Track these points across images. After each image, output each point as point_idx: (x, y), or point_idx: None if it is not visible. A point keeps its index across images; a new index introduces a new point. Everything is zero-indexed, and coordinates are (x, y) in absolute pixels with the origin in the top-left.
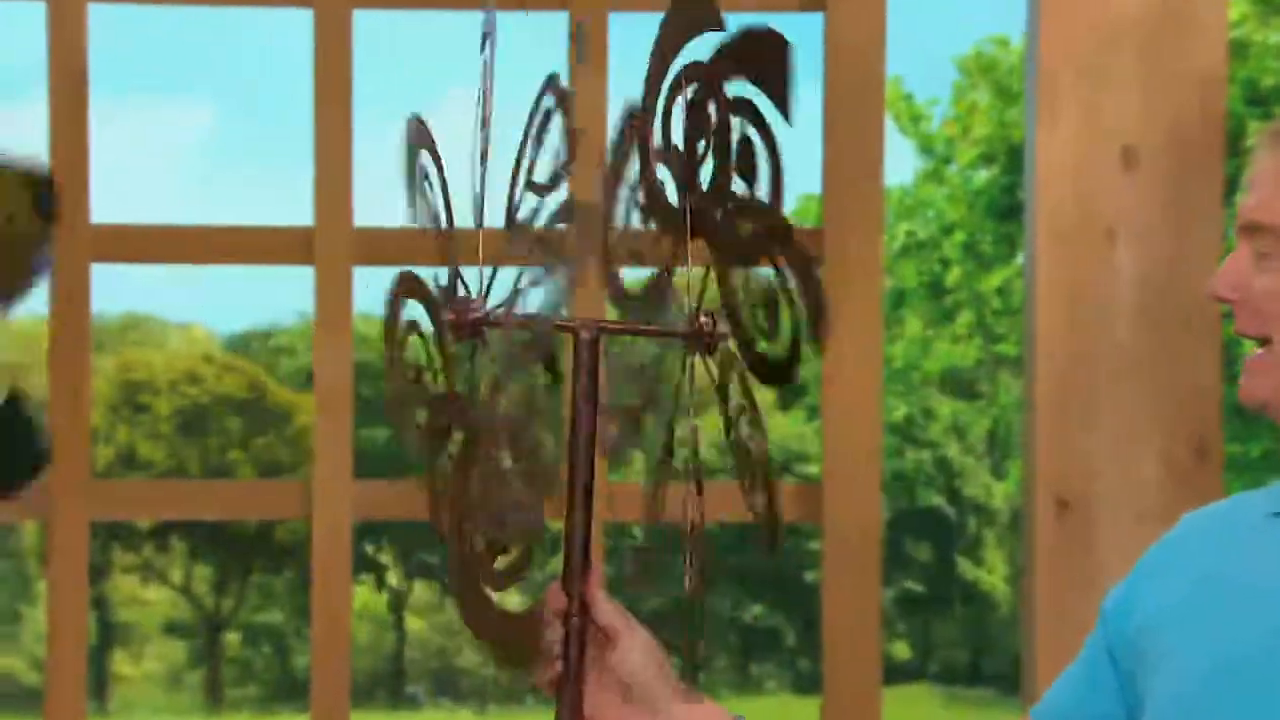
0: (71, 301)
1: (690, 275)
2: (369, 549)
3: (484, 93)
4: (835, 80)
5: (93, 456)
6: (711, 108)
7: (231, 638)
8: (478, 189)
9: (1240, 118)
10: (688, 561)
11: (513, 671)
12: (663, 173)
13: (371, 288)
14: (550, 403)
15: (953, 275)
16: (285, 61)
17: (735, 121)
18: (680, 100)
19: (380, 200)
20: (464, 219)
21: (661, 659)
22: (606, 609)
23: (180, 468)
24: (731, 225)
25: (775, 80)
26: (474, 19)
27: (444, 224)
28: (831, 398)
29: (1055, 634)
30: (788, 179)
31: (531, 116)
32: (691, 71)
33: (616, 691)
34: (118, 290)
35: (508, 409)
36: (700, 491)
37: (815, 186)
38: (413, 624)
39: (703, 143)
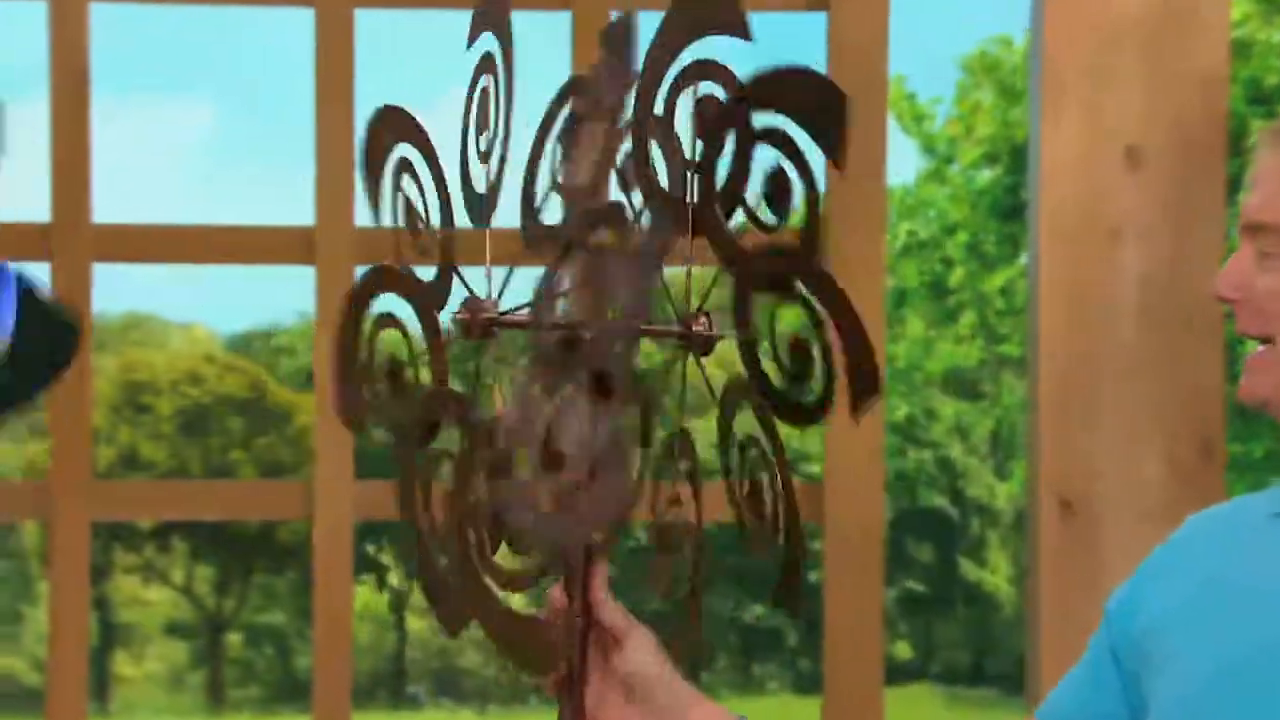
0: (73, 301)
1: (688, 275)
2: (370, 549)
3: (504, 92)
4: (838, 79)
5: (94, 457)
6: (730, 132)
7: (233, 638)
8: (486, 188)
9: (1243, 117)
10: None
11: (523, 671)
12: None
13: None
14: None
15: (955, 275)
16: (287, 61)
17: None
18: (684, 97)
19: None
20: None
21: (664, 659)
22: (610, 609)
23: (182, 468)
24: (762, 261)
25: (830, 129)
26: None
27: (427, 221)
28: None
29: (1059, 635)
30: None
31: (551, 117)
32: (697, 70)
33: (619, 692)
34: (119, 290)
35: (545, 420)
36: (698, 492)
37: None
38: (414, 624)
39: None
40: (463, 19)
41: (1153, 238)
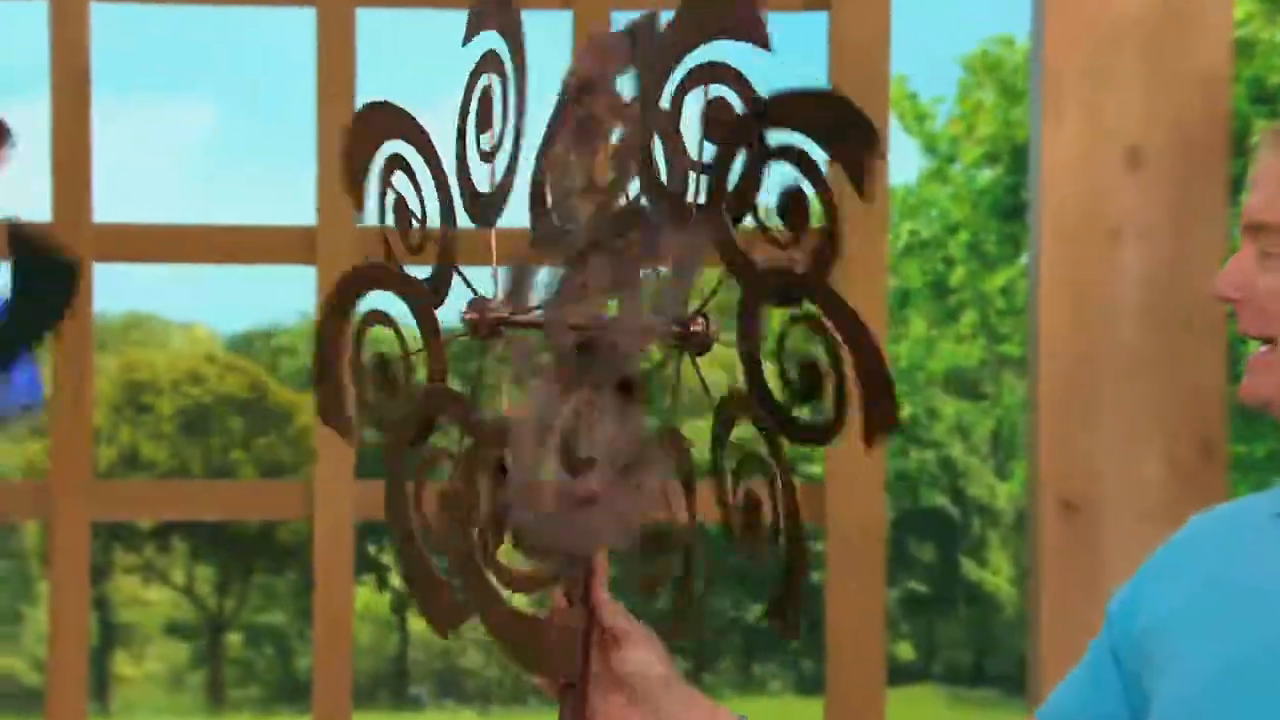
0: (74, 301)
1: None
2: (371, 549)
3: (515, 91)
4: (839, 79)
5: (94, 457)
6: (741, 146)
7: (233, 638)
8: (493, 188)
9: (1245, 117)
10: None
11: (531, 672)
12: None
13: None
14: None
15: (957, 275)
16: (288, 60)
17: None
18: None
19: None
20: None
21: (666, 660)
22: (611, 610)
23: (182, 468)
24: (774, 276)
25: (858, 160)
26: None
27: (423, 219)
28: None
29: (1060, 635)
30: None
31: (562, 116)
32: (707, 71)
33: (620, 693)
34: (120, 289)
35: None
36: (692, 491)
37: None
38: (416, 625)
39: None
40: (464, 19)
41: (1154, 238)
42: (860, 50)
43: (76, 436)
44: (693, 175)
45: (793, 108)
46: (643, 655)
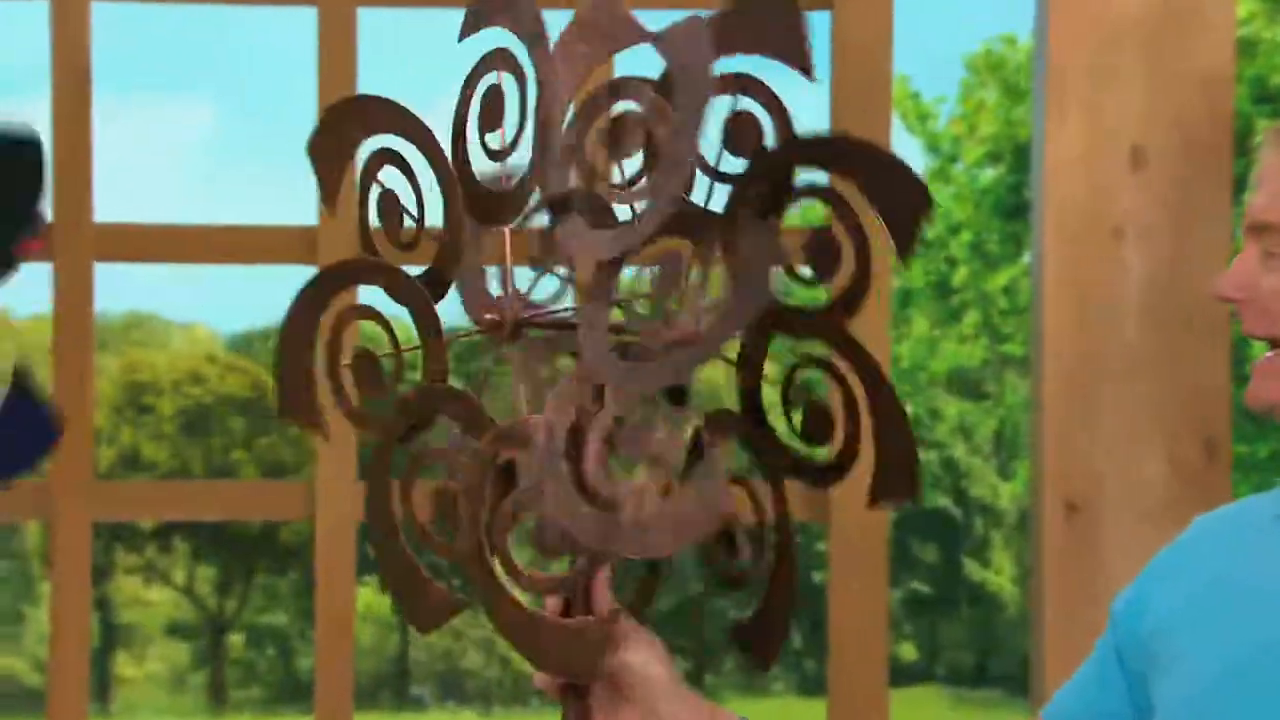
0: (74, 301)
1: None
2: (373, 550)
3: (541, 91)
4: (842, 79)
5: (95, 457)
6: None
7: (235, 639)
8: (509, 186)
9: (1248, 116)
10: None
11: (547, 671)
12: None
13: (374, 288)
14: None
15: (959, 275)
16: (288, 60)
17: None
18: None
19: None
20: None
21: (668, 663)
22: (604, 607)
23: (183, 468)
24: (792, 316)
25: (904, 221)
26: None
27: (421, 217)
28: None
29: (1063, 635)
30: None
31: (590, 113)
32: (735, 82)
33: (621, 694)
34: (120, 289)
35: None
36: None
37: None
38: None
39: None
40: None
41: (1157, 237)
42: (862, 49)
43: (77, 437)
44: (706, 182)
45: (837, 152)
46: (643, 657)
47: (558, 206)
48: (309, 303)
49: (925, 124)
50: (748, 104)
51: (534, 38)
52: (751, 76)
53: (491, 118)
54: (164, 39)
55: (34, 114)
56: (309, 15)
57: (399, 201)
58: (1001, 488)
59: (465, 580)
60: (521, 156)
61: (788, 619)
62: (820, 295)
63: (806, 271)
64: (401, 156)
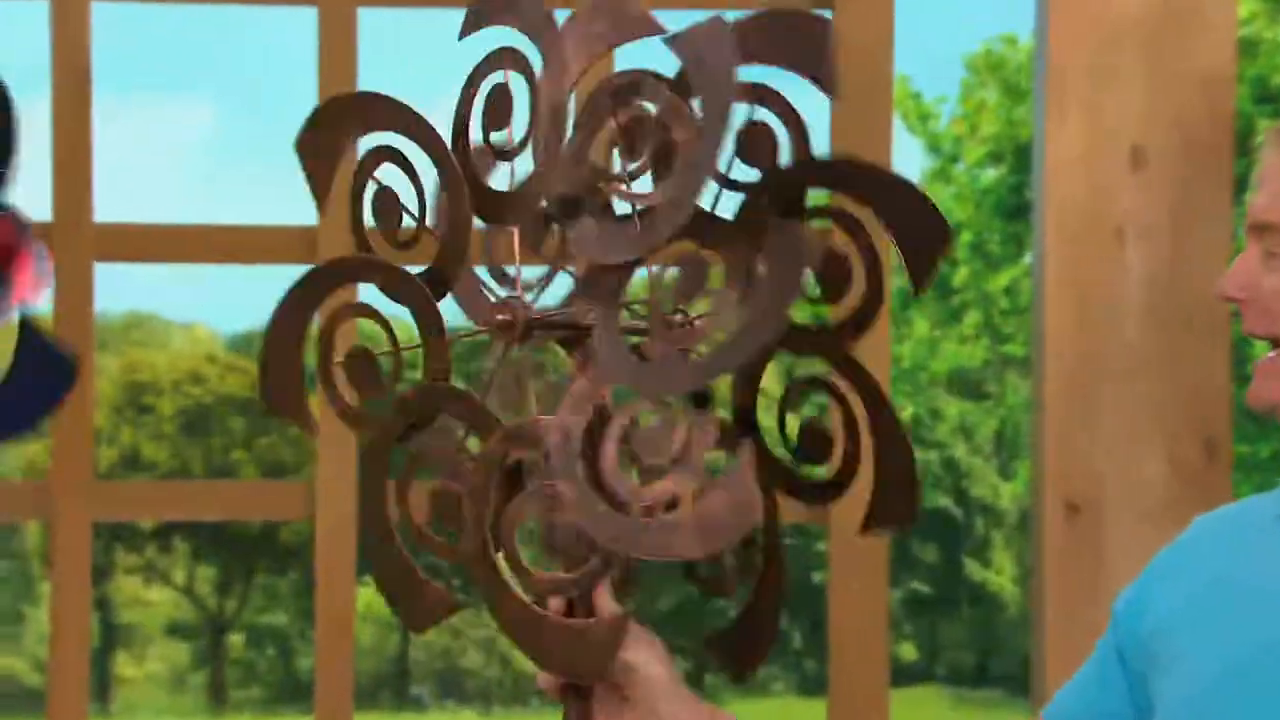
0: (74, 301)
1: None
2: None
3: (554, 90)
4: (843, 79)
5: (95, 457)
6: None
7: (235, 639)
8: (513, 185)
9: (1249, 116)
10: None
11: (553, 671)
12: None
13: (374, 288)
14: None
15: (960, 275)
16: (289, 59)
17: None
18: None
19: None
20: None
21: (667, 662)
22: (608, 609)
23: (183, 468)
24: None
25: (922, 253)
26: None
27: (422, 215)
28: None
29: (1064, 635)
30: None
31: (598, 116)
32: (753, 91)
33: (622, 695)
34: (120, 289)
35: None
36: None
37: None
38: None
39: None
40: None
41: (1158, 237)
42: (863, 50)
43: (77, 437)
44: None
45: (855, 177)
46: (644, 657)
47: (568, 208)
48: (298, 301)
49: (926, 124)
50: (762, 114)
51: (542, 25)
52: (769, 87)
53: (497, 117)
54: (164, 39)
55: (34, 114)
56: (309, 15)
57: (398, 199)
58: (1002, 488)
59: (464, 580)
60: (528, 156)
61: (774, 623)
62: (808, 311)
63: (814, 290)
64: (402, 154)
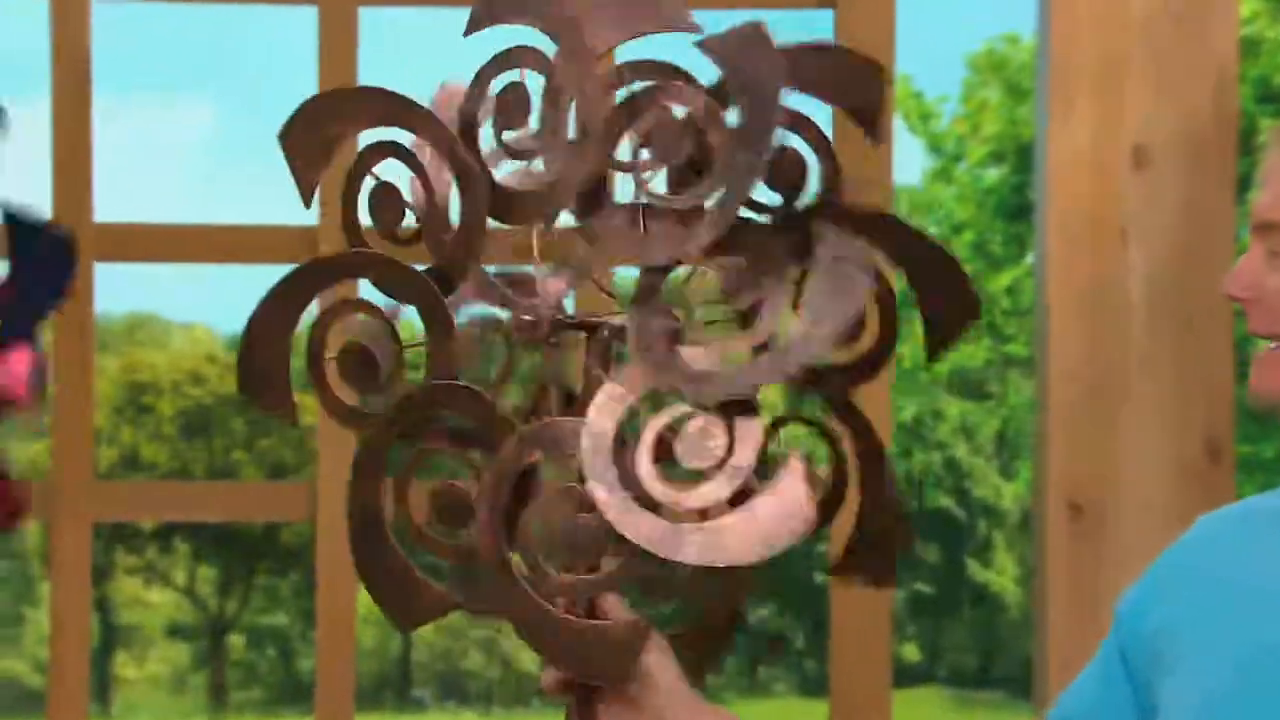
0: (75, 301)
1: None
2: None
3: (579, 89)
4: None
5: (96, 457)
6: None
7: (236, 640)
8: (533, 185)
9: (1252, 116)
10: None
11: (565, 671)
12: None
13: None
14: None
15: None
16: (289, 59)
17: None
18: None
19: None
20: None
21: (672, 664)
22: (618, 613)
23: (184, 469)
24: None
25: (948, 326)
26: None
27: (429, 213)
28: None
29: (1067, 636)
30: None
31: (631, 119)
32: (788, 117)
33: (628, 698)
34: (121, 290)
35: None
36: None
37: None
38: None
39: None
40: (467, 18)
41: (1162, 237)
42: (865, 48)
43: (78, 437)
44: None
45: (892, 236)
46: (652, 658)
47: (591, 206)
48: (290, 299)
49: (928, 124)
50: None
51: (561, 23)
52: (803, 115)
53: (512, 115)
54: (164, 39)
55: (34, 114)
56: (309, 15)
57: (399, 195)
58: (1004, 488)
59: (463, 580)
60: (547, 154)
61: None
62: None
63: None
64: (408, 150)
